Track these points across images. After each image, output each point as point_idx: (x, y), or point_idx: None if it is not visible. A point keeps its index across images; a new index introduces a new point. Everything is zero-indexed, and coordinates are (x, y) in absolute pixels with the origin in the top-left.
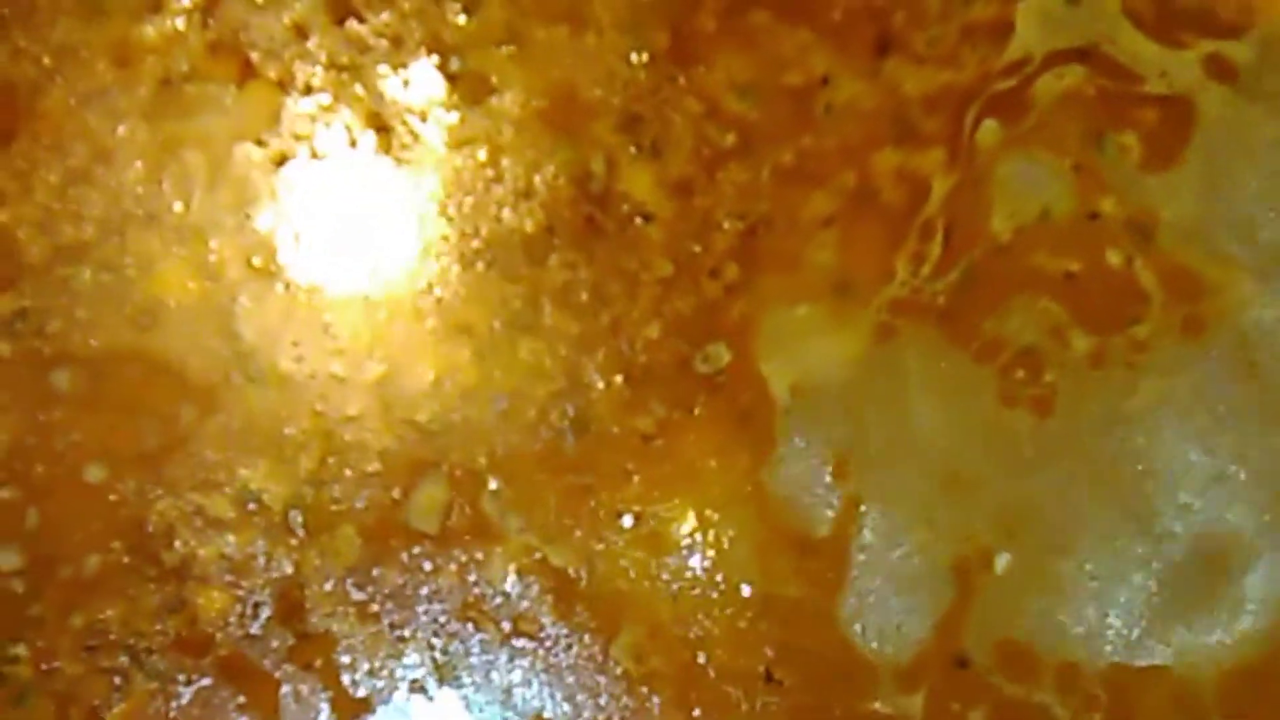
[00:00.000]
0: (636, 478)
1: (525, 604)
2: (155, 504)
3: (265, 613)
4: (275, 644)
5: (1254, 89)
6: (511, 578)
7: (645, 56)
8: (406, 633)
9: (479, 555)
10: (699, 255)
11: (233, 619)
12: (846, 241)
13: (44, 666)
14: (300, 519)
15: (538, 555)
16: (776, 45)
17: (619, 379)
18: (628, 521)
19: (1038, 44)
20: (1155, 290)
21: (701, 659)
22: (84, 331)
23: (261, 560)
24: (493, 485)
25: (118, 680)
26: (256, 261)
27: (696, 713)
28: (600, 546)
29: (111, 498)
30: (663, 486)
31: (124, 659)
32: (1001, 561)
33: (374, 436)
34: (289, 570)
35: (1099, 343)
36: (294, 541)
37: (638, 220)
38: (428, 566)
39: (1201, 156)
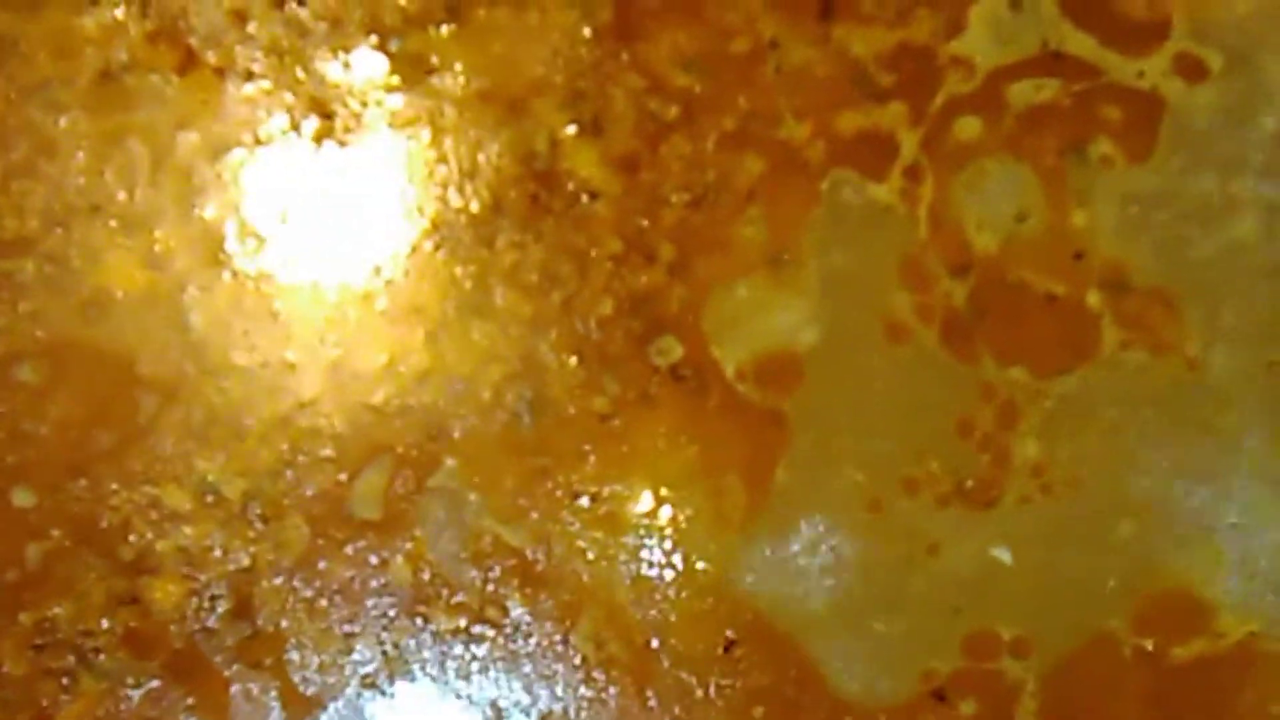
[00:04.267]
0: (593, 458)
1: (481, 591)
2: (109, 498)
3: (221, 606)
4: (230, 640)
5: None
6: (467, 564)
7: (588, 32)
8: (356, 627)
9: (431, 543)
10: (647, 230)
11: (189, 613)
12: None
13: None
14: (258, 510)
15: (493, 539)
16: (721, 16)
17: (573, 359)
18: (585, 502)
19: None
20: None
21: (655, 644)
22: (30, 324)
23: (218, 552)
24: (448, 468)
25: (65, 681)
26: (203, 250)
27: (653, 703)
28: (557, 528)
29: (64, 492)
30: (619, 466)
31: (71, 659)
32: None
33: (328, 421)
34: (245, 563)
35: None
36: (251, 534)
37: (584, 198)
38: (374, 560)
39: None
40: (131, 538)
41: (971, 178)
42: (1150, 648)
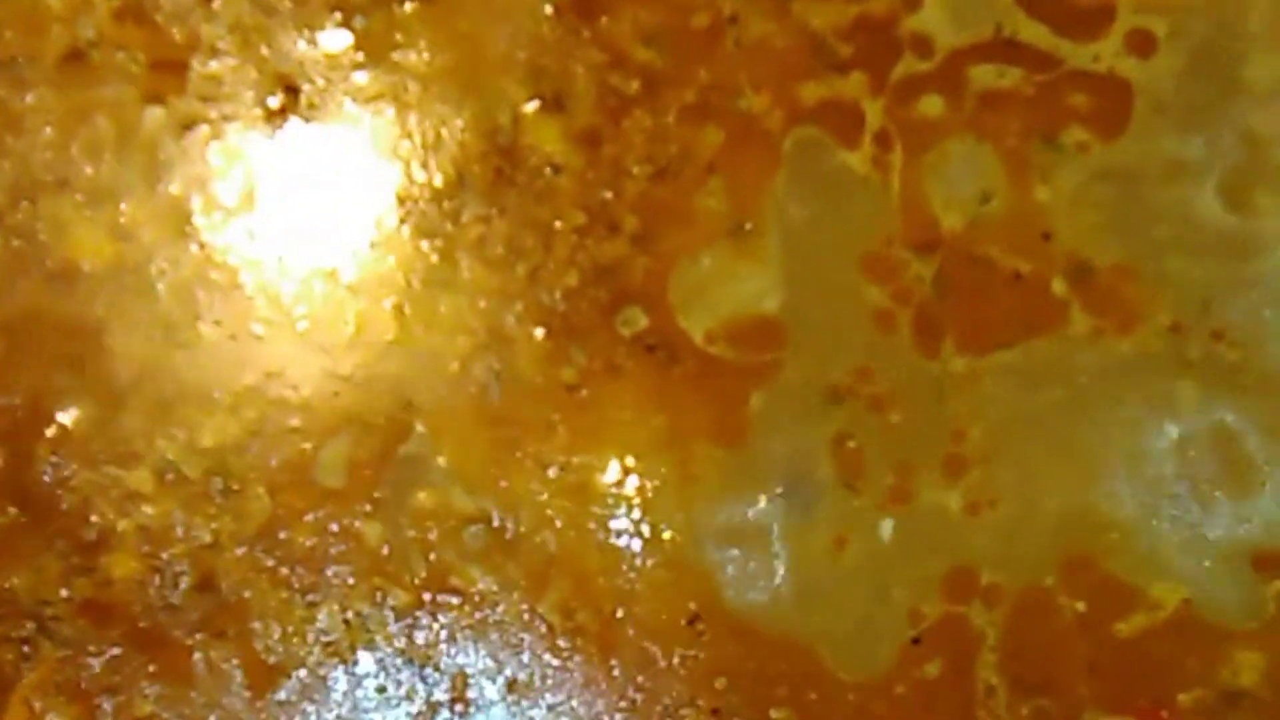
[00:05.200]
0: (561, 428)
1: (449, 560)
2: (71, 475)
3: (184, 582)
4: (193, 614)
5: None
6: (434, 534)
7: (550, 10)
8: (318, 596)
9: (400, 512)
10: (611, 203)
11: (152, 590)
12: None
13: None
14: (220, 485)
15: (461, 509)
16: None
17: (540, 331)
18: (553, 472)
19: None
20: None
21: (621, 614)
22: None
23: (180, 529)
24: (417, 436)
25: (25, 649)
26: (170, 224)
27: (616, 672)
28: (527, 498)
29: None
30: (587, 436)
31: (31, 626)
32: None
33: (295, 392)
34: (207, 539)
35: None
36: (212, 509)
37: (547, 171)
38: (335, 528)
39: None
40: (93, 518)
41: (936, 159)
42: (1082, 609)
